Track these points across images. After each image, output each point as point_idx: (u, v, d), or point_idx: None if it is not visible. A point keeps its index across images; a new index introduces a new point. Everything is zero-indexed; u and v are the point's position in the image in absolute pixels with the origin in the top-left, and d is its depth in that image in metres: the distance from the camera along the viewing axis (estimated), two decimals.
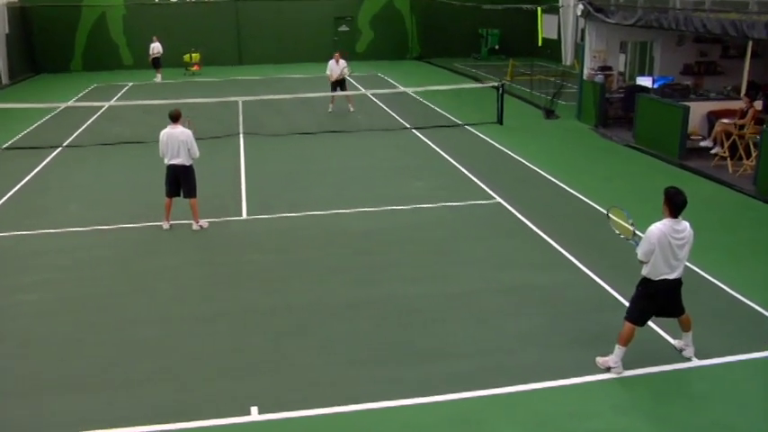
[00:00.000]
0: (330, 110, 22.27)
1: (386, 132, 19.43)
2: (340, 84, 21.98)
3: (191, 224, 11.81)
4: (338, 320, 8.55)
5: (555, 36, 33.94)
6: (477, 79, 29.02)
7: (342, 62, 21.79)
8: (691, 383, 7.18)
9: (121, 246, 11.17)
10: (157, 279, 9.90)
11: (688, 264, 8.98)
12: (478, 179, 14.53)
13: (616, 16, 18.46)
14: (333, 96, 22.28)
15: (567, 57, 33.49)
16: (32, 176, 15.38)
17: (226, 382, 7.26)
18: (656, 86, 18.28)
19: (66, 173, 15.68)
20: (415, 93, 25.19)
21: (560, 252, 10.60)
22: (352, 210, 12.73)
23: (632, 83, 20.05)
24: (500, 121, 20.35)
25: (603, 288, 9.33)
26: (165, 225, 11.81)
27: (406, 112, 22.13)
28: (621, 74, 21.06)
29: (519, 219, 12.13)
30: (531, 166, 15.59)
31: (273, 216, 12.47)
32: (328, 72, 21.96)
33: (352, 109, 22.34)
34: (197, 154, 11.60)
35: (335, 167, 15.77)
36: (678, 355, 7.60)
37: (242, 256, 10.70)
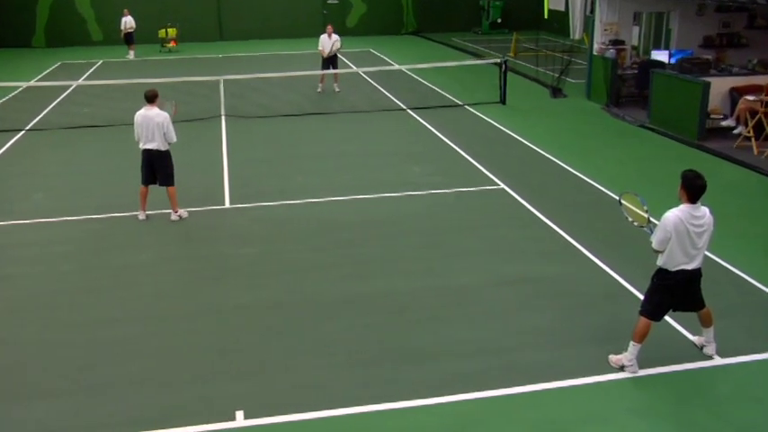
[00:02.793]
0: (319, 89, 22.23)
1: (380, 114, 19.41)
2: (331, 61, 21.94)
3: (169, 214, 11.80)
4: (330, 318, 8.55)
5: (562, 8, 33.82)
6: (477, 55, 29.01)
7: (334, 36, 21.74)
8: (713, 384, 7.21)
9: (93, 238, 11.14)
10: (134, 274, 9.88)
11: (708, 253, 9.06)
12: (480, 164, 14.55)
13: None
14: (322, 75, 22.24)
15: (576, 30, 33.16)
16: None
17: (209, 385, 7.26)
18: (673, 61, 18.29)
19: (30, 159, 15.62)
20: (411, 70, 25.17)
21: (569, 242, 10.63)
22: (344, 198, 12.73)
23: (647, 57, 20.06)
24: (503, 101, 20.35)
25: (616, 280, 9.36)
26: (141, 215, 11.79)
27: (401, 92, 22.11)
28: (635, 48, 21.07)
29: (524, 206, 12.16)
30: (537, 149, 15.61)
31: (258, 205, 12.46)
32: (320, 47, 21.88)
33: (337, 89, 22.31)
34: (173, 139, 11.56)
35: (325, 152, 15.75)
36: (698, 353, 7.63)
37: (225, 248, 10.70)
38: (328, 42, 21.67)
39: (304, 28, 35.52)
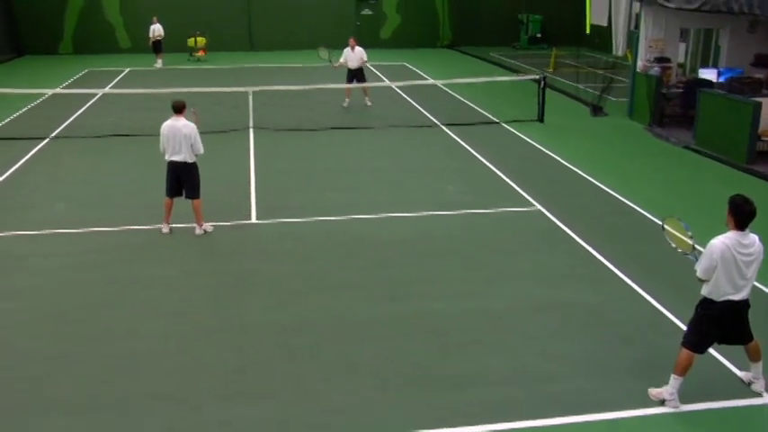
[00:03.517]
0: (345, 104, 22.32)
1: (412, 129, 19.46)
2: (357, 74, 22.02)
3: (193, 228, 11.90)
4: (358, 340, 8.55)
5: (605, 23, 33.72)
6: (515, 71, 28.99)
7: (358, 49, 21.81)
8: (762, 423, 7.08)
9: (115, 250, 11.27)
10: (155, 288, 9.97)
11: (757, 284, 8.91)
12: (516, 183, 14.51)
13: (677, 0, 18.32)
14: (348, 89, 22.33)
15: (619, 46, 33.16)
16: (14, 171, 15.57)
17: (229, 406, 7.28)
18: (721, 80, 18.13)
19: (53, 168, 15.86)
20: (446, 85, 25.22)
21: (608, 267, 10.54)
22: (374, 216, 12.75)
23: (694, 76, 19.93)
24: (541, 119, 20.30)
25: (657, 309, 9.26)
26: (165, 228, 11.90)
27: (435, 107, 22.15)
28: (681, 66, 20.94)
29: (561, 229, 12.09)
30: (576, 170, 15.53)
31: (286, 221, 12.53)
32: (342, 60, 21.98)
33: (369, 103, 22.38)
34: (201, 150, 11.67)
35: (357, 168, 15.82)
36: (746, 389, 7.51)
37: (251, 264, 10.76)
38: (352, 56, 21.72)
39: (337, 39, 35.71)
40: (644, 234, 11.88)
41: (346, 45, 21.96)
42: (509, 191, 14.16)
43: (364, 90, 22.47)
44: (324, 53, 22.01)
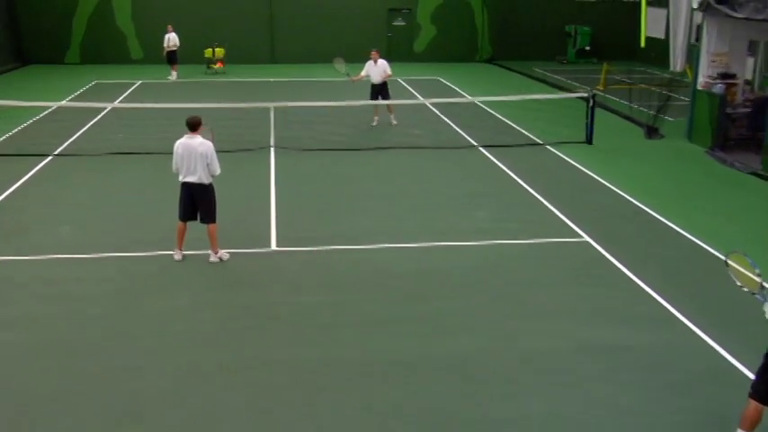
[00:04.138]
0: (374, 123, 22.41)
1: (447, 151, 19.50)
2: (381, 90, 22.06)
3: (208, 255, 11.98)
4: (386, 381, 8.54)
5: (662, 35, 33.68)
6: (561, 88, 28.99)
7: (381, 62, 21.91)
8: None
9: (123, 278, 11.37)
10: (166, 321, 10.04)
11: None
12: (561, 212, 14.46)
13: (745, 9, 18.12)
14: (376, 107, 22.43)
15: (677, 61, 33.03)
16: (14, 190, 15.80)
17: None
18: None
19: (57, 187, 16.09)
20: (485, 103, 25.25)
21: (663, 306, 10.45)
22: (405, 245, 12.77)
23: (763, 94, 19.78)
24: (589, 141, 20.26)
25: (720, 354, 9.16)
26: (177, 255, 12.00)
27: (472, 127, 22.19)
28: (748, 83, 20.81)
29: (611, 262, 12.02)
30: (628, 197, 15.46)
31: (309, 249, 12.58)
32: (363, 73, 22.11)
33: (394, 122, 22.45)
34: (217, 171, 11.76)
35: (385, 192, 15.88)
36: None
37: (270, 296, 10.81)
38: (375, 69, 21.80)
39: (366, 52, 36.02)
40: (706, 270, 11.77)
41: (381, 58, 22.08)
42: (553, 219, 14.12)
43: (389, 108, 22.55)
44: (340, 65, 22.13)
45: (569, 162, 18.40)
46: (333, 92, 27.20)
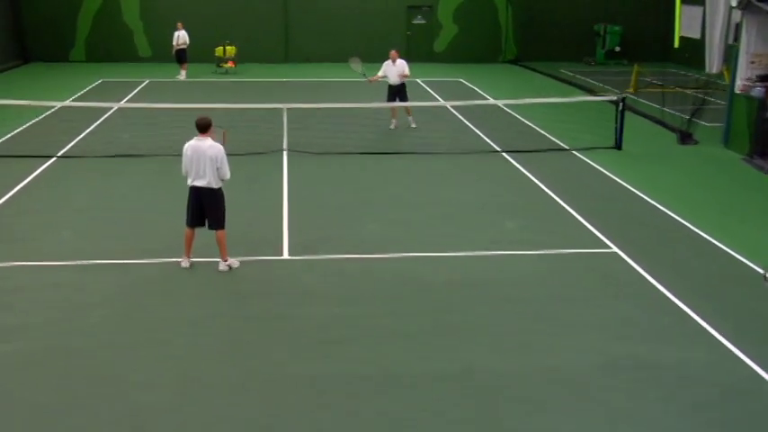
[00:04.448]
0: (392, 126, 22.47)
1: (468, 156, 19.50)
2: (398, 91, 22.10)
3: (216, 262, 12.01)
4: (404, 398, 8.53)
5: (697, 35, 33.51)
6: (589, 90, 28.94)
7: (400, 62, 21.94)
8: None
9: (127, 287, 11.41)
10: (171, 332, 10.06)
11: None
12: (589, 221, 14.41)
13: None
14: (393, 109, 22.48)
15: (713, 63, 32.91)
16: (15, 193, 15.90)
17: None
18: None
19: (60, 190, 16.18)
20: (509, 106, 25.24)
21: (696, 321, 10.40)
22: (423, 254, 12.77)
23: None
24: (619, 146, 20.20)
25: (756, 372, 9.10)
26: (185, 262, 12.04)
27: (495, 131, 22.18)
28: None
29: (642, 275, 11.97)
30: (659, 207, 15.39)
31: (323, 257, 12.60)
32: (380, 74, 22.18)
33: (413, 124, 22.50)
34: (227, 175, 11.77)
35: (404, 198, 15.88)
36: None
37: (282, 307, 10.82)
38: (393, 70, 21.85)
39: (384, 51, 36.07)
40: (742, 284, 11.68)
41: (401, 57, 22.14)
42: (580, 229, 14.08)
43: (407, 110, 22.59)
44: (356, 65, 22.19)
45: (597, 169, 18.34)
46: (349, 93, 27.26)
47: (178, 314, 10.55)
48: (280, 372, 9.07)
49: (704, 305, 10.85)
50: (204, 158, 11.55)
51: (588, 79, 32.50)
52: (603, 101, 23.94)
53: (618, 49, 37.60)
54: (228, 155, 11.89)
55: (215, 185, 11.72)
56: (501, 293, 11.31)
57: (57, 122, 22.75)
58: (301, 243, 13.14)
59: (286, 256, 12.67)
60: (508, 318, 10.52)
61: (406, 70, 21.93)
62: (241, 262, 12.16)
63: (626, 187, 16.83)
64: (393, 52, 22.12)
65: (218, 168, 11.61)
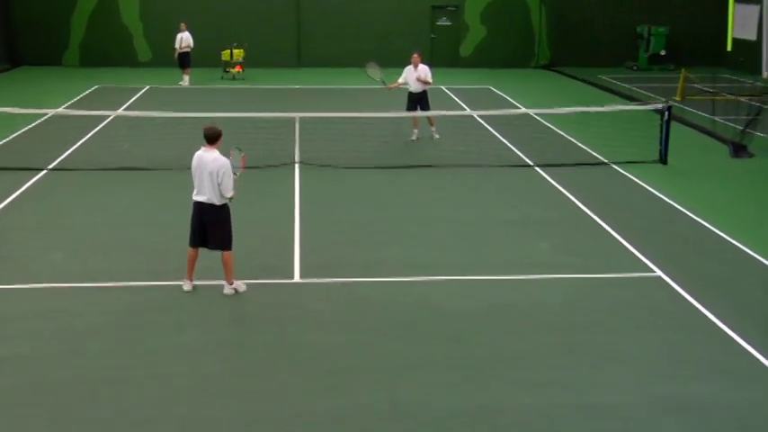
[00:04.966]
0: (414, 137, 22.48)
1: (497, 170, 19.50)
2: (419, 99, 22.10)
3: (221, 286, 12.02)
4: None
5: (753, 36, 33.39)
6: (631, 98, 28.86)
7: (422, 67, 21.95)
8: None
9: (123, 312, 11.42)
10: (172, 361, 10.06)
11: None
12: (630, 243, 14.35)
13: None
14: (415, 118, 22.47)
15: None
16: (2, 208, 16.01)
17: None
18: None
19: (51, 206, 16.28)
20: (542, 116, 25.21)
21: (754, 355, 10.29)
22: (447, 277, 12.76)
23: None
24: (664, 160, 20.13)
25: None
26: (187, 285, 12.05)
27: (527, 143, 22.16)
28: None
29: (690, 303, 11.89)
30: (709, 227, 15.33)
31: (337, 280, 12.60)
32: (401, 80, 22.23)
33: (436, 135, 22.51)
34: (229, 193, 11.66)
35: (426, 217, 15.88)
36: None
37: (292, 334, 10.81)
38: (414, 75, 21.86)
39: (405, 56, 36.14)
40: None
41: (424, 62, 22.16)
42: (620, 251, 14.03)
43: (429, 120, 22.58)
44: (374, 71, 22.22)
45: (640, 185, 18.28)
46: (366, 101, 27.29)
47: (179, 342, 10.54)
48: (288, 405, 9.03)
49: (760, 338, 10.73)
50: (205, 172, 11.54)
51: (630, 86, 32.40)
52: (647, 110, 23.88)
53: (663, 52, 37.48)
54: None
55: (217, 202, 11.67)
56: (531, 322, 11.25)
57: (48, 132, 22.89)
58: (314, 265, 13.14)
59: (297, 279, 12.69)
60: (538, 349, 10.45)
61: (429, 76, 21.95)
62: (248, 285, 12.15)
63: (672, 205, 16.75)
64: (415, 56, 22.13)
65: (219, 184, 11.54)
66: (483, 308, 11.68)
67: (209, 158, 11.59)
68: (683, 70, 30.64)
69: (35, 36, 36.51)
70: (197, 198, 11.74)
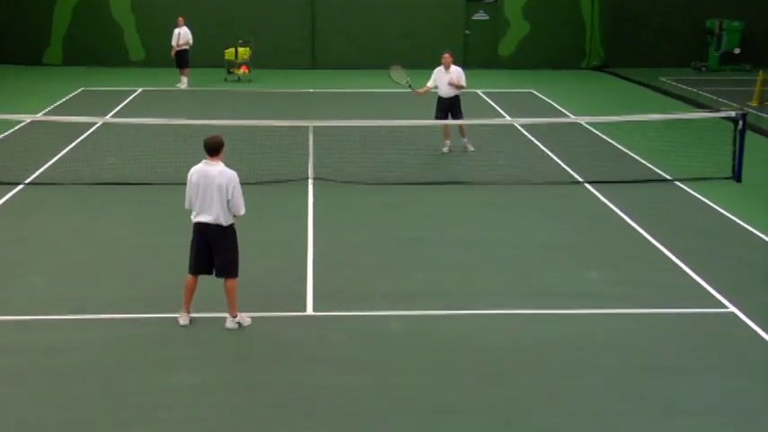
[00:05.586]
0: (445, 149, 22.54)
1: (542, 188, 19.52)
2: (450, 106, 22.15)
3: (223, 318, 12.05)
4: None
5: None
6: (699, 104, 28.81)
7: (454, 69, 22.02)
8: None
9: (111, 348, 11.46)
10: (166, 405, 10.09)
11: None
12: (697, 273, 14.31)
13: None
14: (446, 128, 22.49)
15: None
16: None
17: None
18: None
19: (29, 226, 16.38)
20: (593, 125, 25.20)
21: None
22: (484, 311, 12.77)
23: None
24: (737, 177, 20.07)
25: None
26: (184, 319, 12.06)
27: (576, 157, 22.17)
28: None
29: None
30: None
31: (355, 314, 12.63)
32: (430, 84, 22.32)
33: (470, 147, 22.57)
34: (241, 210, 11.74)
35: (457, 239, 15.92)
36: None
37: (303, 374, 10.82)
38: (445, 78, 21.92)
39: (435, 57, 36.18)
40: None
41: (457, 63, 22.20)
42: (687, 282, 14.00)
43: (461, 129, 22.61)
44: (399, 75, 22.27)
45: (709, 205, 18.24)
46: (389, 108, 27.36)
47: (176, 383, 10.56)
48: None
49: None
50: (212, 187, 11.52)
51: (696, 90, 32.32)
52: (718, 118, 23.85)
53: (737, 51, 37.28)
54: (243, 183, 11.91)
55: (224, 222, 11.68)
56: (579, 362, 11.24)
57: (26, 141, 23.01)
58: (329, 295, 13.19)
59: (310, 311, 12.72)
60: (586, 394, 10.43)
61: (463, 79, 22.00)
62: (253, 318, 12.19)
63: (747, 229, 16.70)
64: (446, 56, 22.16)
65: (229, 200, 11.58)
66: (521, 345, 11.69)
67: (214, 172, 11.58)
68: (760, 72, 30.52)
69: (12, 30, 36.77)
70: (200, 219, 11.69)
